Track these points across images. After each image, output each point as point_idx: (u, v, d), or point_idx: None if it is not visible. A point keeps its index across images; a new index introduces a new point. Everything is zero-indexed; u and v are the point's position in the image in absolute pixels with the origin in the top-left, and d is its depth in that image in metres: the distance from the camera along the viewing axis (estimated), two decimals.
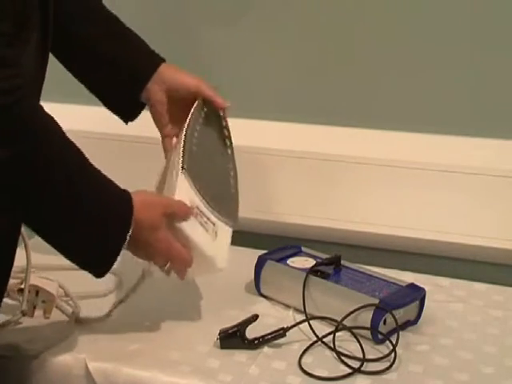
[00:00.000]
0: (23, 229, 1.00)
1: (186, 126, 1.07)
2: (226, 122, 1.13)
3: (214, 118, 1.12)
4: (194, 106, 1.09)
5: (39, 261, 1.18)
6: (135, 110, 1.12)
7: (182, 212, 1.00)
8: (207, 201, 1.04)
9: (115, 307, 1.06)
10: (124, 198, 0.94)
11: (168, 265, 1.00)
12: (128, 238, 0.92)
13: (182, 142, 1.05)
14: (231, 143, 1.13)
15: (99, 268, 0.94)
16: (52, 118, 0.88)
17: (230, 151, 1.13)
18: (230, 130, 1.13)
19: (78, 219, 0.90)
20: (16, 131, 0.83)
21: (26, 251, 1.04)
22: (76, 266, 1.18)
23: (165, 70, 1.10)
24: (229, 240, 1.07)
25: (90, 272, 0.94)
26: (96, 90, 1.11)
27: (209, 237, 1.03)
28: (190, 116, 1.07)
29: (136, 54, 1.11)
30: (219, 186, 1.10)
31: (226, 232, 1.07)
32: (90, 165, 0.92)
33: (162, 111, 1.10)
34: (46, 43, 0.94)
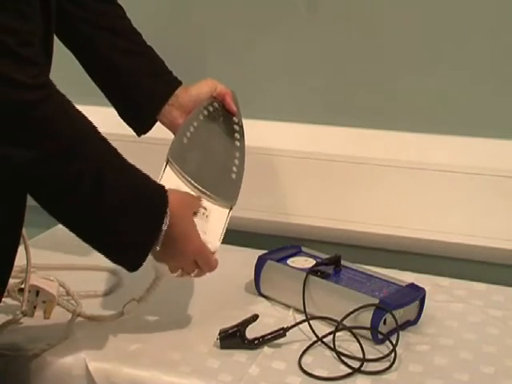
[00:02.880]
0: (24, 229, 1.00)
1: (183, 122, 1.09)
2: (239, 118, 1.14)
3: (225, 114, 1.13)
4: (201, 103, 1.11)
5: (40, 260, 1.19)
6: (149, 127, 1.13)
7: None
8: (196, 186, 1.05)
9: (127, 304, 1.06)
10: (159, 191, 0.94)
11: (195, 272, 1.00)
12: (164, 229, 0.92)
13: (174, 136, 1.07)
14: (242, 137, 1.14)
15: (133, 261, 0.93)
16: (81, 113, 0.90)
17: (239, 143, 1.14)
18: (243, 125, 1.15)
19: (113, 212, 0.90)
20: (44, 130, 0.84)
21: (26, 251, 1.04)
22: (75, 266, 1.20)
23: (180, 92, 1.11)
24: (224, 222, 1.07)
25: (123, 266, 0.93)
26: (112, 101, 1.12)
27: (198, 220, 1.03)
28: (191, 113, 1.09)
29: (155, 74, 1.11)
30: (216, 172, 1.10)
31: (220, 214, 1.07)
32: (123, 159, 0.93)
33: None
34: (50, 36, 0.94)
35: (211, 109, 1.12)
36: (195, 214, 1.01)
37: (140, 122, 1.13)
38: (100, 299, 1.14)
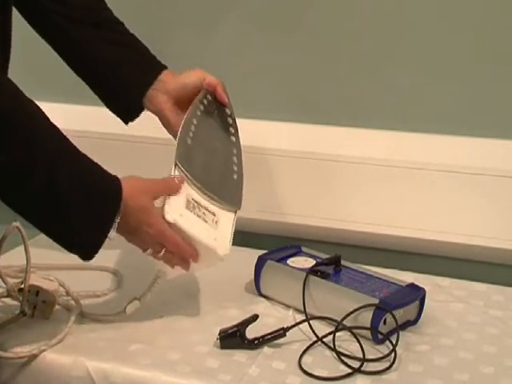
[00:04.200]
0: (23, 229, 1.01)
1: (183, 120, 1.07)
2: (231, 110, 1.13)
3: (218, 106, 1.12)
4: (196, 97, 1.10)
5: (40, 260, 1.19)
6: (135, 114, 1.13)
7: (173, 189, 1.02)
8: (204, 191, 1.05)
9: (129, 303, 1.06)
10: (113, 181, 0.96)
11: (163, 251, 1.00)
12: (117, 220, 0.94)
13: (178, 137, 1.06)
14: (236, 130, 1.14)
15: (87, 251, 0.95)
16: (34, 103, 0.91)
17: (234, 138, 1.14)
18: (236, 118, 1.14)
19: (66, 202, 0.92)
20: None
21: (26, 251, 1.04)
22: (75, 266, 1.19)
23: (167, 78, 1.11)
24: (232, 226, 1.08)
25: (76, 254, 0.95)
26: (96, 91, 1.12)
27: (208, 227, 1.04)
28: (188, 109, 1.08)
29: (137, 62, 1.11)
30: (220, 173, 1.10)
31: (228, 219, 1.08)
32: (78, 150, 0.94)
33: (171, 118, 1.11)
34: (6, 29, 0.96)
35: (206, 102, 1.11)
36: (155, 198, 1.00)
37: (125, 109, 1.12)
38: (100, 299, 1.14)
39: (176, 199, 1.02)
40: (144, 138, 1.36)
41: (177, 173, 1.03)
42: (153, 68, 1.12)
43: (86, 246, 0.95)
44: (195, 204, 1.04)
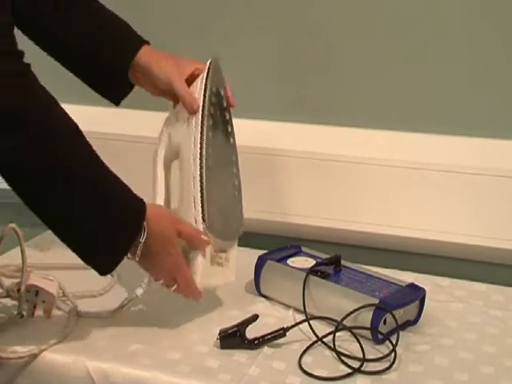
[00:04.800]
0: (19, 230, 1.01)
1: (199, 139, 1.04)
2: (230, 114, 1.11)
3: (221, 112, 1.10)
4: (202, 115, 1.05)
5: (40, 261, 1.19)
6: (122, 92, 1.11)
7: (196, 239, 1.02)
8: (221, 235, 1.06)
9: (128, 301, 1.07)
10: (137, 203, 0.96)
11: (174, 287, 1.02)
12: (139, 240, 0.94)
13: (199, 176, 1.03)
14: (234, 136, 1.12)
15: (104, 267, 0.95)
16: (65, 113, 0.91)
17: (232, 140, 1.12)
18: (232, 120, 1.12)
19: (87, 217, 0.92)
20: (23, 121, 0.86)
21: (22, 252, 1.03)
22: (71, 266, 1.19)
23: (143, 59, 1.07)
24: (236, 252, 1.10)
25: (94, 269, 0.95)
26: (80, 76, 1.11)
27: (223, 270, 1.07)
28: (199, 125, 1.04)
29: (116, 40, 1.09)
30: (230, 207, 1.10)
31: (234, 249, 1.09)
32: (106, 167, 0.94)
33: (153, 91, 1.09)
34: None
35: (212, 110, 1.07)
36: (178, 234, 1.00)
37: (111, 88, 1.10)
38: (97, 299, 1.14)
39: (202, 263, 1.03)
40: (144, 138, 1.35)
41: (201, 227, 1.03)
42: (133, 44, 1.08)
43: (102, 264, 0.95)
44: (214, 254, 1.05)
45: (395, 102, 1.30)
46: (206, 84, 1.05)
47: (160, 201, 1.07)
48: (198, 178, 1.02)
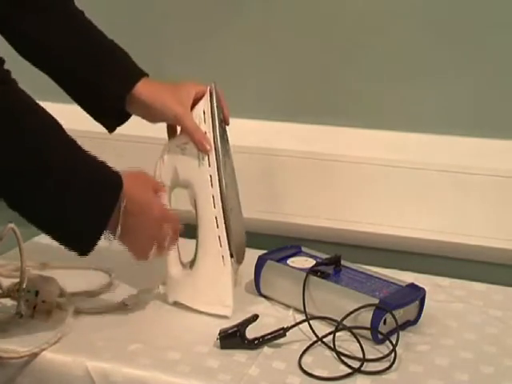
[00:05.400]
0: (17, 230, 1.01)
1: (217, 180, 1.04)
2: (225, 122, 1.10)
3: (224, 127, 1.09)
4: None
5: (40, 261, 1.19)
6: (117, 121, 1.11)
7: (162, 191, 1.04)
8: (241, 260, 1.10)
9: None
10: (113, 179, 0.96)
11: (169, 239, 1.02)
12: (120, 207, 0.94)
13: (223, 218, 1.04)
14: (229, 145, 1.12)
15: (84, 244, 0.95)
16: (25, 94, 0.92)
17: (231, 157, 1.12)
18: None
19: (63, 193, 0.92)
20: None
21: (20, 253, 1.03)
22: (69, 266, 1.19)
23: (144, 94, 1.06)
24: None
25: (73, 249, 0.95)
26: (73, 97, 1.11)
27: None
28: (215, 164, 1.04)
29: (114, 67, 1.08)
30: (241, 225, 1.12)
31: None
32: (83, 151, 0.95)
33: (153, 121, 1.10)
34: None
35: (223, 143, 1.06)
36: (155, 191, 1.02)
37: (106, 116, 1.10)
38: (95, 298, 1.14)
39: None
40: (144, 138, 1.35)
41: (229, 263, 1.06)
42: (126, 79, 1.08)
43: (83, 239, 0.94)
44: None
45: (395, 102, 1.30)
46: (213, 119, 1.05)
47: None
48: (222, 220, 1.04)
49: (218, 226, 1.04)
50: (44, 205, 0.92)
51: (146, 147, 1.36)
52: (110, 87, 1.06)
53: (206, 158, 1.04)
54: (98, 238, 0.94)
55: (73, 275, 1.17)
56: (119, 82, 1.06)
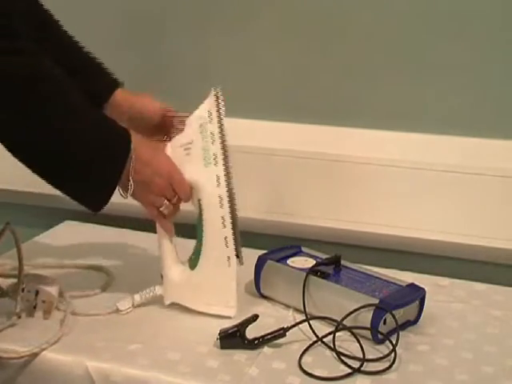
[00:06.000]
0: (16, 230, 1.01)
1: (223, 180, 1.04)
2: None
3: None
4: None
5: (39, 261, 1.19)
6: None
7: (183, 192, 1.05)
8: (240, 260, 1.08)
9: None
10: (121, 127, 0.99)
11: (175, 199, 1.04)
12: (130, 158, 0.97)
13: (230, 219, 1.05)
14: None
15: (98, 198, 0.97)
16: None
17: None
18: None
19: (74, 146, 0.94)
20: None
21: (18, 253, 1.04)
22: (67, 265, 1.19)
23: (119, 97, 1.12)
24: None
25: (87, 204, 0.97)
26: None
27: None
28: (222, 163, 1.04)
29: (90, 77, 1.12)
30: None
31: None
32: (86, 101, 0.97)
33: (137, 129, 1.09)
34: None
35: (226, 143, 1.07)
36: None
37: None
38: (93, 298, 1.14)
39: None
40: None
41: (235, 263, 1.06)
42: (105, 86, 1.12)
43: (96, 194, 0.97)
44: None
45: (395, 102, 1.30)
46: (219, 118, 1.05)
47: None
48: (230, 221, 1.04)
49: (224, 227, 1.04)
50: (57, 161, 0.94)
51: None
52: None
53: (213, 157, 1.04)
54: (111, 193, 0.97)
55: (68, 275, 1.18)
56: (96, 91, 1.10)
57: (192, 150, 1.05)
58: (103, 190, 0.97)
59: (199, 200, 1.06)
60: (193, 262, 1.08)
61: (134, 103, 1.12)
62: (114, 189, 0.97)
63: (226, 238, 1.05)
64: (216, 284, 1.07)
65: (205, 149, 1.04)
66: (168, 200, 1.03)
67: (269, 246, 1.21)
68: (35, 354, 0.97)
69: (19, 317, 1.03)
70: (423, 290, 1.08)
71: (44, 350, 0.97)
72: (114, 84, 1.13)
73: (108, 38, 1.41)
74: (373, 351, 0.99)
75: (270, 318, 1.08)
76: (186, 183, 1.04)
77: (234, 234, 1.05)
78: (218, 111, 1.04)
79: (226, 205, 1.04)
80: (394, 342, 0.99)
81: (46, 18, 1.13)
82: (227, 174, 1.04)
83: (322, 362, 0.97)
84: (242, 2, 1.35)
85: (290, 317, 1.09)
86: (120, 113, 1.10)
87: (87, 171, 0.96)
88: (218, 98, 1.05)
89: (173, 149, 1.06)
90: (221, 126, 1.04)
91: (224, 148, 1.04)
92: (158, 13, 1.41)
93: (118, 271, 1.21)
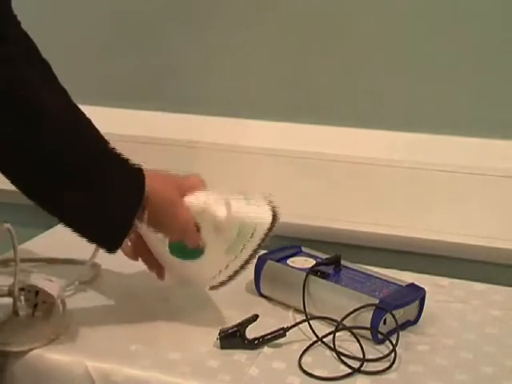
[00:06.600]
0: (13, 231, 1.01)
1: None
2: None
3: None
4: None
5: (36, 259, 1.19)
6: None
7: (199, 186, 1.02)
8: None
9: None
10: (136, 169, 0.96)
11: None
12: (142, 209, 0.94)
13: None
14: None
15: (111, 242, 0.95)
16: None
17: None
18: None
19: (90, 190, 0.91)
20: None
21: (15, 253, 1.03)
22: (56, 260, 1.19)
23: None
24: None
25: (102, 247, 0.96)
26: None
27: None
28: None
29: None
30: None
31: None
32: (105, 140, 0.95)
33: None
34: None
35: None
36: (181, 193, 1.00)
37: None
38: (94, 297, 1.13)
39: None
40: (145, 138, 1.35)
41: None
42: None
43: (110, 238, 0.94)
44: None
45: (395, 101, 1.30)
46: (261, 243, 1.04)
47: None
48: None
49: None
50: (71, 204, 0.92)
51: (145, 147, 1.36)
52: None
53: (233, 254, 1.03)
54: (126, 236, 0.95)
55: (72, 275, 1.17)
56: None
57: (220, 230, 1.03)
58: (117, 235, 0.94)
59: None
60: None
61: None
62: (128, 233, 0.95)
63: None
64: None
65: (231, 244, 1.03)
66: None
67: (269, 246, 1.21)
68: (35, 354, 0.96)
69: (17, 316, 1.03)
70: (423, 290, 1.08)
71: (44, 350, 0.97)
72: None
73: (108, 39, 1.41)
74: (373, 351, 0.99)
75: (270, 318, 1.08)
76: (198, 239, 1.02)
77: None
78: (264, 236, 1.04)
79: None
80: (393, 342, 0.99)
81: None
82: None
83: (322, 362, 0.97)
84: (242, 2, 1.35)
85: (290, 317, 1.09)
86: None
87: (100, 216, 0.93)
88: (275, 218, 1.04)
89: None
90: (254, 253, 1.04)
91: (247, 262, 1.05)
92: (158, 13, 1.41)
93: (117, 271, 1.21)
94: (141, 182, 0.95)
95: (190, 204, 1.00)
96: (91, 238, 0.95)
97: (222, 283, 1.05)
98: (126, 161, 0.96)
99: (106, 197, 0.93)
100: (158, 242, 1.04)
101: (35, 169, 0.89)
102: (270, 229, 1.03)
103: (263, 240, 1.03)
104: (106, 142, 0.95)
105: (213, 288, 1.06)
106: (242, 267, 1.04)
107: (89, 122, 0.94)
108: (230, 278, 1.05)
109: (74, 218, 0.93)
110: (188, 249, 1.02)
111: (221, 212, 1.00)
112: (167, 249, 1.04)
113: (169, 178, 1.01)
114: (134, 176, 0.96)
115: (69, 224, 0.93)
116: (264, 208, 1.04)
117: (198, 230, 1.01)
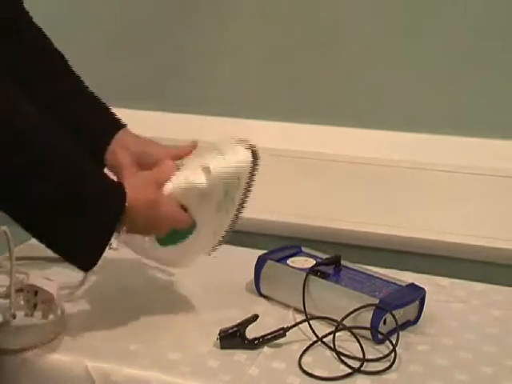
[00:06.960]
0: (9, 233, 1.00)
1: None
2: None
3: None
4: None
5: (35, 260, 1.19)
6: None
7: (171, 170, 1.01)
8: None
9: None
10: (116, 186, 0.96)
11: None
12: (121, 225, 0.94)
13: None
14: None
15: (87, 259, 0.94)
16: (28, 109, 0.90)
17: None
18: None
19: (66, 208, 0.91)
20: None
21: (10, 256, 1.03)
22: (65, 263, 1.18)
23: (126, 136, 1.08)
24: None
25: (76, 265, 0.95)
26: None
27: None
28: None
29: (97, 115, 1.09)
30: None
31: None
32: (82, 155, 0.93)
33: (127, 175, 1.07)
34: None
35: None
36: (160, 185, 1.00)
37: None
38: (94, 297, 1.13)
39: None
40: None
41: None
42: (113, 123, 1.09)
43: (84, 257, 0.94)
44: None
45: (395, 102, 1.30)
46: (247, 191, 1.07)
47: None
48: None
49: None
50: (45, 223, 0.92)
51: None
52: (89, 139, 1.05)
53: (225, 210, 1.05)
54: (100, 255, 0.94)
55: (72, 274, 1.17)
56: (98, 135, 1.07)
57: (207, 195, 1.03)
58: (91, 254, 0.94)
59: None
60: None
61: (140, 146, 1.09)
62: (102, 252, 0.94)
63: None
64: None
65: (220, 201, 1.03)
66: None
67: (269, 246, 1.22)
68: (35, 354, 0.97)
69: (14, 317, 1.02)
70: (423, 289, 1.08)
71: (44, 350, 0.97)
72: (119, 124, 1.10)
73: (108, 39, 1.41)
74: (373, 351, 0.99)
75: (270, 317, 1.08)
76: (189, 220, 1.02)
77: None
78: (249, 177, 1.04)
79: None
80: (393, 342, 0.99)
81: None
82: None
83: (322, 362, 0.97)
84: (242, 2, 1.35)
85: (290, 317, 1.09)
86: (124, 148, 1.08)
87: (73, 236, 0.93)
88: (255, 156, 1.04)
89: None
90: (245, 197, 1.05)
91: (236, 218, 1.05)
92: (159, 13, 1.41)
93: (117, 271, 1.21)
94: (120, 200, 0.94)
95: (171, 191, 1.00)
96: (64, 258, 0.94)
97: (220, 241, 1.06)
98: (105, 183, 0.95)
99: (82, 220, 0.92)
100: (144, 243, 1.04)
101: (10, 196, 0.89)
102: (252, 168, 1.04)
103: (250, 180, 1.04)
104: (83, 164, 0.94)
105: (212, 250, 1.06)
106: (237, 213, 1.05)
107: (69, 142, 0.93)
108: (228, 230, 1.05)
109: (45, 236, 0.93)
110: (178, 234, 1.03)
111: (200, 179, 1.00)
112: (156, 244, 1.04)
113: (145, 177, 1.01)
114: (113, 195, 0.95)
115: (40, 241, 0.93)
116: (241, 152, 1.04)
117: (186, 210, 1.01)
